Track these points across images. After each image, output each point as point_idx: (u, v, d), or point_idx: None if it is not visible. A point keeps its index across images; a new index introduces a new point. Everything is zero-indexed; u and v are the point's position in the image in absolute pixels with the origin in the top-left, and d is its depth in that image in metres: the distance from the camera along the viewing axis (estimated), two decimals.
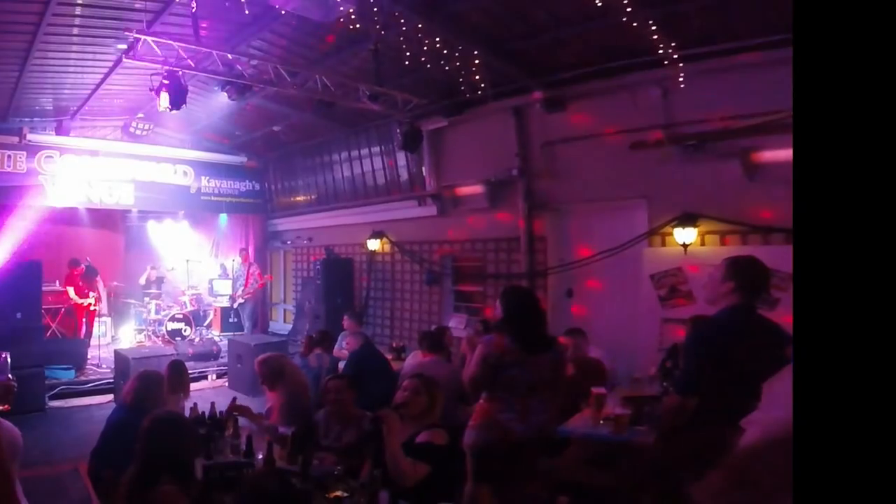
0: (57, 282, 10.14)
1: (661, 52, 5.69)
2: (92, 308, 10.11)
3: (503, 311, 3.41)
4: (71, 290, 9.91)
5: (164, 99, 5.52)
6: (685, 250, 6.08)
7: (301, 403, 4.45)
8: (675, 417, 2.90)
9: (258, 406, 4.60)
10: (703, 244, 6.13)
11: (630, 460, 3.61)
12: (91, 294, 10.12)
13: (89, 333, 9.91)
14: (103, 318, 10.81)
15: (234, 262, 12.39)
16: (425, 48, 6.35)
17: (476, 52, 6.37)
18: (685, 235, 6.06)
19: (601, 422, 3.96)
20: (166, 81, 5.49)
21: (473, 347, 3.69)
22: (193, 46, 5.64)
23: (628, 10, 5.21)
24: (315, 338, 6.61)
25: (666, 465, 2.97)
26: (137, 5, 6.06)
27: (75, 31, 6.76)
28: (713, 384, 2.91)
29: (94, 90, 8.83)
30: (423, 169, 9.17)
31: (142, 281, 11.47)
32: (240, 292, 11.54)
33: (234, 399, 4.13)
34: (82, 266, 10.13)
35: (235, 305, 11.59)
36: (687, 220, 6.09)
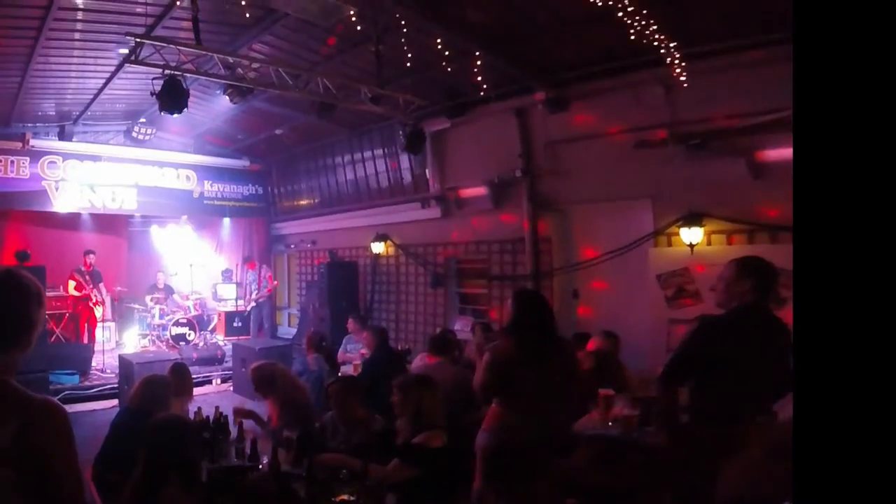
0: (61, 287, 10.10)
1: (663, 50, 5.64)
2: (93, 303, 9.96)
3: (513, 315, 3.36)
4: (71, 285, 9.74)
5: (166, 103, 5.51)
6: (692, 250, 6.03)
7: (299, 407, 4.45)
8: (663, 402, 3.13)
9: (263, 410, 4.59)
10: (709, 244, 6.08)
11: (641, 460, 3.58)
12: (94, 294, 10.00)
13: (92, 338, 9.87)
14: (107, 323, 10.79)
15: (237, 267, 12.40)
16: (427, 49, 6.33)
17: (478, 53, 6.34)
18: (691, 235, 6.01)
19: (610, 423, 3.95)
20: (168, 85, 5.48)
21: (482, 353, 3.66)
22: (195, 50, 5.62)
23: (630, 8, 5.17)
24: (311, 341, 6.58)
25: (679, 463, 2.94)
26: (138, 9, 6.05)
27: (77, 35, 6.76)
28: (721, 383, 2.88)
29: (97, 95, 8.84)
30: (427, 171, 9.15)
31: (153, 287, 11.37)
32: (254, 295, 11.56)
33: (243, 404, 4.18)
34: (91, 263, 10.05)
35: (249, 309, 11.60)
36: (693, 219, 6.03)
